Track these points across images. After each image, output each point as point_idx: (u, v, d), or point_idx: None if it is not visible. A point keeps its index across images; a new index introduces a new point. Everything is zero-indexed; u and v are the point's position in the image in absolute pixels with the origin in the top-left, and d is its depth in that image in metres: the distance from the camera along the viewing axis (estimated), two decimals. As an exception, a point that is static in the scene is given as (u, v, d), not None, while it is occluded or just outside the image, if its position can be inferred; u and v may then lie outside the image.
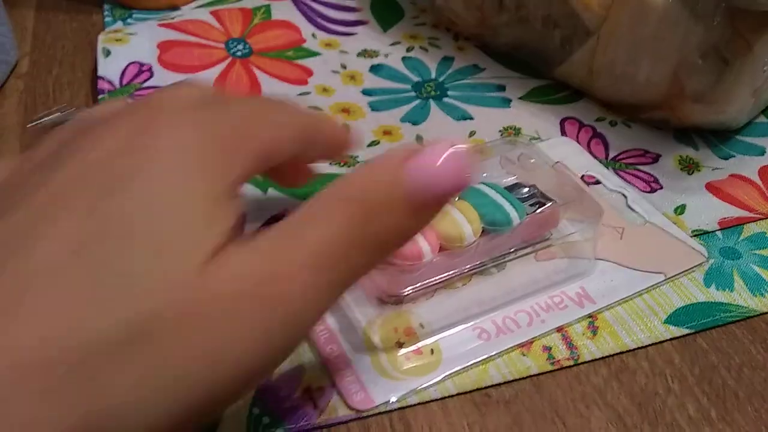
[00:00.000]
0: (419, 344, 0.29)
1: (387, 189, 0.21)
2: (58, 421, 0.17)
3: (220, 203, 0.20)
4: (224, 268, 0.19)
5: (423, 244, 0.29)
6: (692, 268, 0.33)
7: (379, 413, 0.27)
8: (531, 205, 0.32)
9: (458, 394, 0.28)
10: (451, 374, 0.28)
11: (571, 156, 0.38)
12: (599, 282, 0.32)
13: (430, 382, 0.28)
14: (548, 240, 0.33)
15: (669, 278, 0.33)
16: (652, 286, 0.32)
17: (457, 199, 0.31)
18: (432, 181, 0.21)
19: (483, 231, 0.31)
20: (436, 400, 0.28)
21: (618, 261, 0.33)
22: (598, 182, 0.37)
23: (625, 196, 0.36)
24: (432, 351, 0.29)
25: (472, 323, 0.30)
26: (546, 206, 0.32)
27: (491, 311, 0.31)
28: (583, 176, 0.37)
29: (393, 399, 0.27)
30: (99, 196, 0.19)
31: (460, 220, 0.30)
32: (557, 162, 0.36)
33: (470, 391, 0.28)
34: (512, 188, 0.33)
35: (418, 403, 0.28)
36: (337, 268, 0.20)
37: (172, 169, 0.19)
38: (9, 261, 0.18)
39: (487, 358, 0.29)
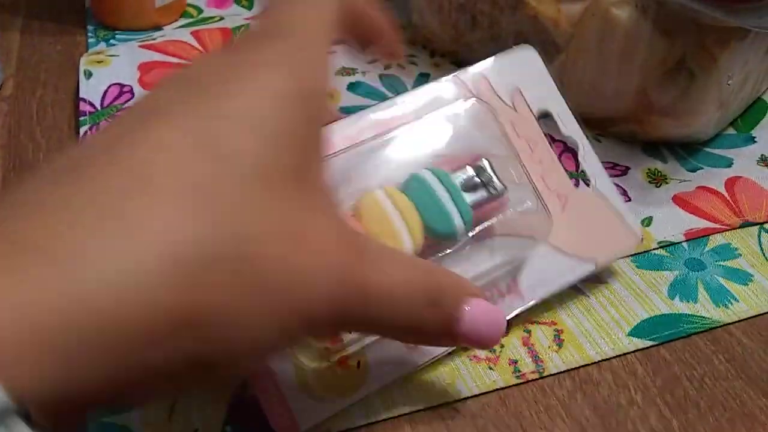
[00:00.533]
0: (346, 353, 0.29)
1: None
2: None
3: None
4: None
5: None
6: (624, 256, 0.34)
7: (348, 429, 0.28)
8: (478, 197, 0.31)
9: (426, 409, 0.29)
10: (378, 390, 0.29)
11: (530, 82, 0.35)
12: (531, 272, 0.31)
13: (355, 400, 0.28)
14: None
15: (599, 268, 0.33)
16: (582, 278, 0.33)
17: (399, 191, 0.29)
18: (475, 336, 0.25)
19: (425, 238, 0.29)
20: (404, 415, 0.29)
21: (553, 243, 0.32)
22: (552, 118, 0.35)
23: (575, 150, 0.35)
24: (359, 364, 0.29)
25: None
26: (494, 199, 0.31)
27: None
28: (538, 119, 0.34)
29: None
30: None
31: (399, 232, 0.28)
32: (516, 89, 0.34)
33: (437, 406, 0.29)
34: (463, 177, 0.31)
35: (386, 419, 0.29)
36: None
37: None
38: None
39: (414, 369, 0.29)
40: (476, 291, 0.26)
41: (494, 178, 0.31)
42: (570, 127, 0.35)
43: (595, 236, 0.33)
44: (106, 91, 0.42)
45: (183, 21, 0.51)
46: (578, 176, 0.39)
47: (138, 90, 0.42)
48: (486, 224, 0.31)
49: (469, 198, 0.30)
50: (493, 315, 0.26)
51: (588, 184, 0.34)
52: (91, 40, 0.49)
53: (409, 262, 0.26)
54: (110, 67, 0.44)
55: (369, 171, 0.30)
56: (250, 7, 0.52)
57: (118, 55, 0.45)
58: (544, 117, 0.35)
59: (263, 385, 0.27)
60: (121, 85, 0.43)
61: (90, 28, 0.50)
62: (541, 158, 0.33)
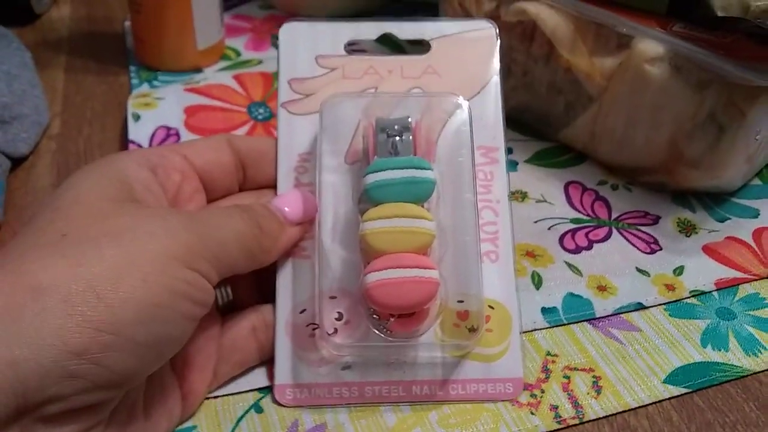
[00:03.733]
0: None
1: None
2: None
3: None
4: None
5: None
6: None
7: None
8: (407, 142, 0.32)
9: (470, 451, 0.30)
10: None
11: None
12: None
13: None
14: None
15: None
16: None
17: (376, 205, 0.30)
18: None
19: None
20: (450, 457, 0.30)
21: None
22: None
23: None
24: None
25: None
26: (410, 130, 0.32)
27: None
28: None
29: None
30: None
31: (418, 229, 0.30)
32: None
33: (482, 449, 0.30)
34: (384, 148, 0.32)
35: (433, 460, 0.30)
36: None
37: None
38: None
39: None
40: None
41: (392, 120, 0.33)
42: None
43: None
44: (154, 134, 0.44)
45: (223, 63, 0.52)
46: (610, 224, 0.41)
47: (184, 132, 0.44)
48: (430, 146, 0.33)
49: (404, 150, 0.32)
50: (294, 196, 0.32)
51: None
52: (134, 81, 0.50)
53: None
54: (157, 110, 0.45)
55: None
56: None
57: (164, 98, 0.46)
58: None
59: None
60: (168, 128, 0.44)
61: (132, 68, 0.52)
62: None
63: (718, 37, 0.39)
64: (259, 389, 0.32)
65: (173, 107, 0.46)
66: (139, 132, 0.44)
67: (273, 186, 0.34)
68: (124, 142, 0.45)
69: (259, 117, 0.46)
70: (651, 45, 0.40)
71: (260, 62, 0.52)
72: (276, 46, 0.54)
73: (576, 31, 0.42)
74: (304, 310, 0.32)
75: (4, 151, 0.42)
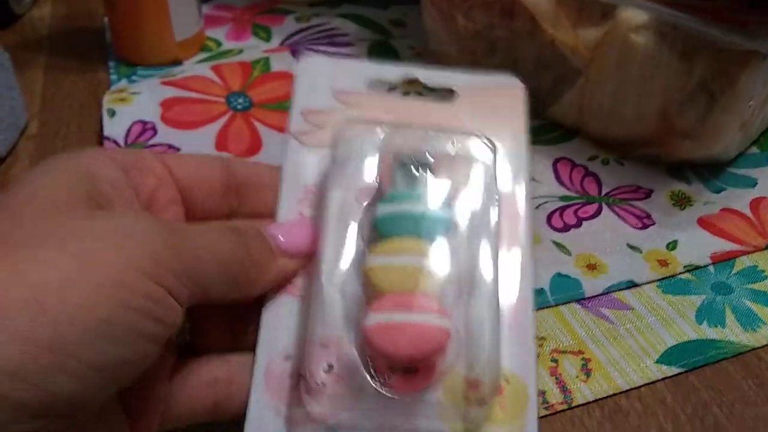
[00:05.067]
0: None
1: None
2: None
3: None
4: None
5: None
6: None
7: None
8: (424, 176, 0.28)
9: (454, 442, 0.29)
10: None
11: None
12: None
13: None
14: None
15: None
16: None
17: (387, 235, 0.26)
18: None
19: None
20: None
21: None
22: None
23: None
24: None
25: None
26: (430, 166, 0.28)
27: None
28: None
29: None
30: None
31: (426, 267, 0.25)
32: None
33: (466, 439, 0.29)
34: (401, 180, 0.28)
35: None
36: None
37: None
38: None
39: None
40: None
41: (413, 160, 0.28)
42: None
43: None
44: (129, 129, 0.43)
45: (203, 55, 0.51)
46: (600, 200, 0.39)
47: (161, 126, 0.43)
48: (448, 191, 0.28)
49: (422, 186, 0.28)
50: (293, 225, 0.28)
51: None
52: (113, 77, 0.49)
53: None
54: (132, 105, 0.44)
55: None
56: (267, 39, 0.53)
57: (140, 93, 0.45)
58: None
59: None
60: (144, 122, 0.43)
61: (111, 64, 0.51)
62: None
63: (704, 1, 0.37)
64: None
65: (149, 101, 0.44)
66: (114, 127, 0.43)
67: (271, 217, 0.29)
68: (101, 141, 0.44)
69: (238, 107, 0.45)
70: (635, 13, 0.38)
71: (241, 51, 0.51)
72: (258, 35, 0.53)
73: (558, 4, 0.41)
74: (289, 357, 0.27)
75: (-22, 153, 0.41)
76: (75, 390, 0.21)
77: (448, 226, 0.27)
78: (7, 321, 0.20)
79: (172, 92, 0.45)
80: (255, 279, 0.26)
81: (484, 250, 0.27)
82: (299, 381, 0.26)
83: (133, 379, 0.23)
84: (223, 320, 0.28)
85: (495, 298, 0.26)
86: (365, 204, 0.28)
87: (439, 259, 0.26)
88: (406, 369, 0.25)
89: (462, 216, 0.27)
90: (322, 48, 0.51)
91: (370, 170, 0.29)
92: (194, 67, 0.49)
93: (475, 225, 0.27)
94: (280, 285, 0.27)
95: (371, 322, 0.24)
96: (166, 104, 0.44)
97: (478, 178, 0.28)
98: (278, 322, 0.27)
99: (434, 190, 0.28)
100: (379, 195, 0.28)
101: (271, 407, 0.26)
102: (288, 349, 0.26)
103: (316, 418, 0.25)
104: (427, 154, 0.28)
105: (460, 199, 0.28)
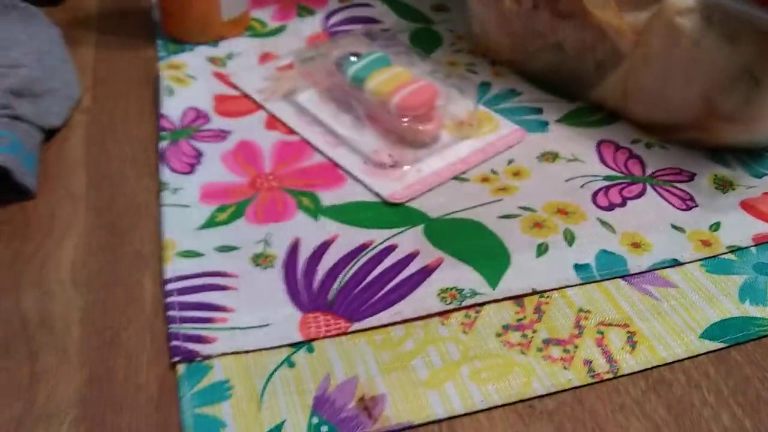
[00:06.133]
0: None
1: None
2: None
3: None
4: None
5: None
6: None
7: (429, 422, 0.29)
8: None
9: (503, 405, 0.30)
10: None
11: None
12: None
13: None
14: None
15: None
16: None
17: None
18: None
19: None
20: (483, 411, 0.30)
21: None
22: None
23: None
24: None
25: None
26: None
27: None
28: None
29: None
30: None
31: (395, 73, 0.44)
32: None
33: (514, 403, 0.30)
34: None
35: (465, 414, 0.29)
36: None
37: None
38: None
39: None
40: None
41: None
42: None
43: None
44: (185, 113, 0.45)
45: (247, 33, 0.52)
46: (644, 181, 0.40)
47: (213, 116, 0.45)
48: None
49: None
50: None
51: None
52: (161, 54, 0.50)
53: None
54: (189, 90, 0.46)
55: None
56: (311, 15, 0.54)
57: (195, 78, 0.47)
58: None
59: None
60: (198, 110, 0.45)
61: (159, 42, 0.52)
62: None
63: (752, -15, 0.38)
64: (291, 345, 0.32)
65: (204, 92, 0.47)
66: (170, 108, 0.45)
67: None
68: (154, 114, 0.45)
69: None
70: (683, -3, 0.39)
71: (283, 29, 0.52)
72: (300, 15, 0.55)
73: (605, -13, 0.42)
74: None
75: (35, 123, 0.42)
76: None
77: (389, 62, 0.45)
78: None
79: (223, 89, 0.47)
80: None
81: None
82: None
83: None
84: None
85: None
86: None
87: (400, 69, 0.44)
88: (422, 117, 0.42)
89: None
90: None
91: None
92: (241, 46, 0.50)
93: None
94: None
95: (395, 100, 0.41)
96: (219, 99, 0.46)
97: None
98: None
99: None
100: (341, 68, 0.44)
101: None
102: None
103: None
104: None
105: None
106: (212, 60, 0.49)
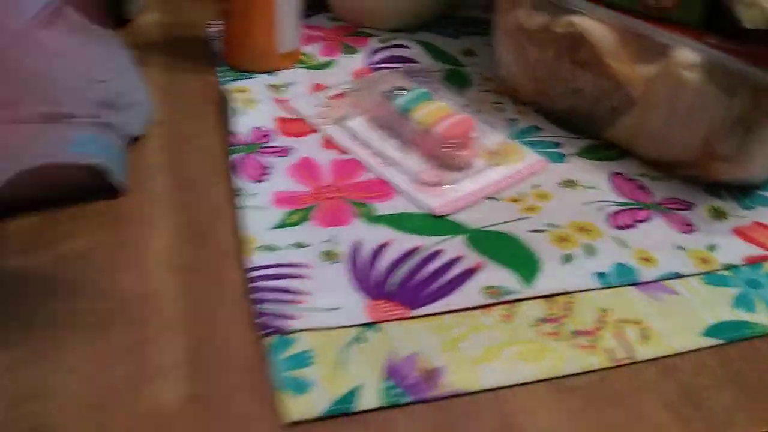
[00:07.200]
0: None
1: None
2: None
3: None
4: None
5: None
6: None
7: (480, 391, 0.35)
8: None
9: (539, 381, 0.36)
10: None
11: None
12: None
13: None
14: None
15: None
16: None
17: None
18: None
19: None
20: (522, 384, 0.35)
21: None
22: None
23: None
24: None
25: None
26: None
27: None
28: None
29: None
30: None
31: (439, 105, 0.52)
32: None
33: (549, 379, 0.36)
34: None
35: (508, 386, 0.35)
36: None
37: None
38: None
39: None
40: None
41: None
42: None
43: None
44: (251, 131, 0.51)
45: (300, 66, 0.59)
46: (651, 207, 0.46)
47: (276, 135, 0.51)
48: None
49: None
50: None
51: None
52: (222, 79, 0.57)
53: None
54: (255, 112, 0.53)
55: None
56: (354, 54, 0.61)
57: (260, 102, 0.54)
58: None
59: None
60: (261, 130, 0.52)
61: (220, 69, 0.58)
62: None
63: (747, 47, 0.45)
64: (361, 325, 0.37)
65: (267, 114, 0.53)
66: (240, 126, 0.51)
67: None
68: (219, 130, 0.51)
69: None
70: (688, 53, 0.46)
71: (332, 64, 0.59)
72: (345, 53, 0.61)
73: (621, 41, 0.48)
74: None
75: (121, 131, 0.48)
76: None
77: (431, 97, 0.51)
78: None
79: (281, 113, 0.54)
80: None
81: None
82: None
83: None
84: None
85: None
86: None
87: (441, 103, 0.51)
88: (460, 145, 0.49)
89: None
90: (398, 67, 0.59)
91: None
92: (294, 76, 0.57)
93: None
94: None
95: (439, 130, 0.48)
96: (281, 122, 0.53)
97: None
98: None
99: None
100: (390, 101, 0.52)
101: None
102: None
103: None
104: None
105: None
106: (272, 87, 0.56)
